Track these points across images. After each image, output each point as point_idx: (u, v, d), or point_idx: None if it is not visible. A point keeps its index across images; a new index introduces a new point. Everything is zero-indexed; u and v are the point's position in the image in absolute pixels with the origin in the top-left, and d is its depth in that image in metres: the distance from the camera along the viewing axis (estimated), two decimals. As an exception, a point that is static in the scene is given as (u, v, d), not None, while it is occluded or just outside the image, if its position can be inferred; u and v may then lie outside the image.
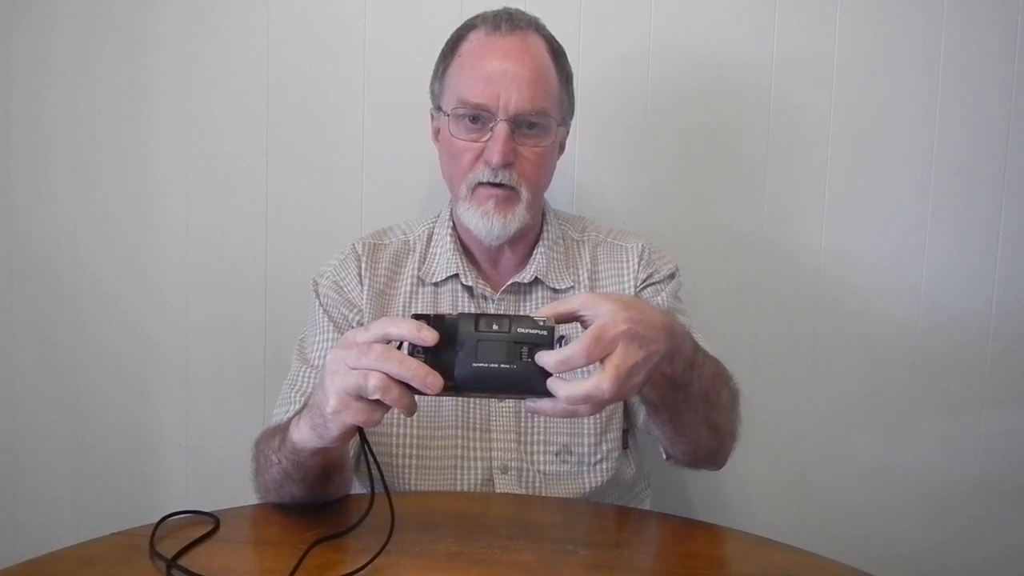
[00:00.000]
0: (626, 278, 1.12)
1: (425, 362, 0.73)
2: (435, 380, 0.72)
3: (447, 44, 1.10)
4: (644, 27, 1.39)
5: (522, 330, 0.74)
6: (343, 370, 0.74)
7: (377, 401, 0.73)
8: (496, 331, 0.74)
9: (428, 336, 0.72)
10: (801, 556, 0.84)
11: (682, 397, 0.87)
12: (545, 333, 0.74)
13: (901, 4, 1.38)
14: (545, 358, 0.72)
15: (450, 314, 0.75)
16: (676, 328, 0.81)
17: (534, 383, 0.73)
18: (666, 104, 1.40)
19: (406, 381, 0.72)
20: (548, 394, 0.73)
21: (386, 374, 0.72)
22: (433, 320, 0.74)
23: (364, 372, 0.72)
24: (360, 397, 0.73)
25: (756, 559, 0.84)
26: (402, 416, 1.04)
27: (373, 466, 0.79)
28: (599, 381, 0.72)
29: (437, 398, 1.04)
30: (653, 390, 0.85)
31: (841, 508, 1.45)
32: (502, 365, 0.73)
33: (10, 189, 1.47)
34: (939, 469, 1.44)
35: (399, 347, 0.74)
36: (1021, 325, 1.42)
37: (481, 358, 0.73)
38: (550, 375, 0.73)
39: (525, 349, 0.73)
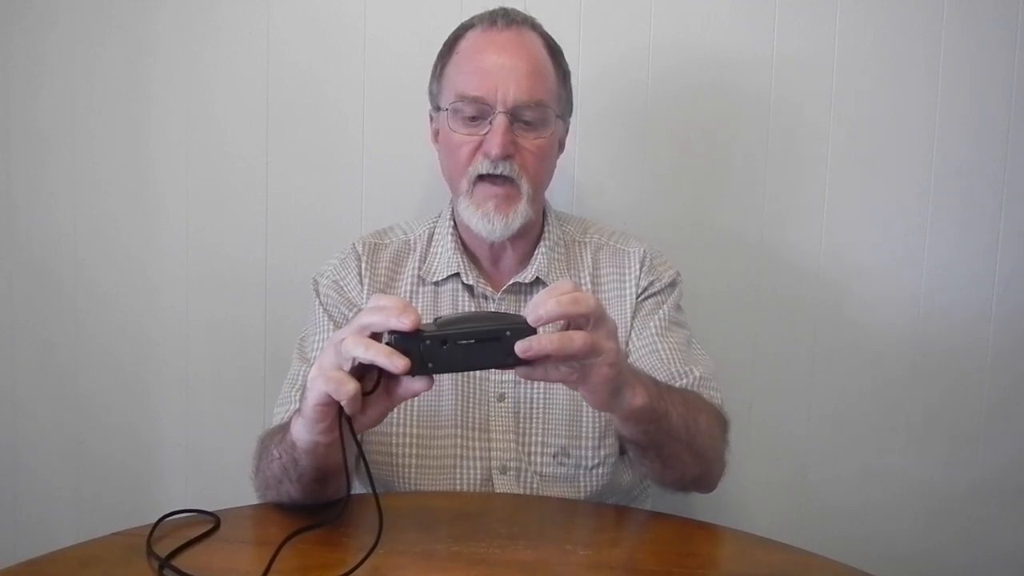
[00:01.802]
0: (627, 283, 1.12)
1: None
2: (409, 315, 0.73)
3: (445, 44, 1.10)
4: (644, 27, 1.39)
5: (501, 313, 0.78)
6: (329, 348, 0.77)
7: (354, 375, 0.75)
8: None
9: (409, 322, 0.73)
10: (801, 556, 0.84)
11: (664, 429, 0.89)
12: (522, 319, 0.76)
13: (901, 4, 1.38)
14: (538, 302, 0.75)
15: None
16: (629, 364, 0.87)
17: (513, 319, 0.75)
18: (666, 104, 1.40)
19: (381, 326, 0.74)
20: (530, 332, 0.74)
21: (363, 326, 0.74)
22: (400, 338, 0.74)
23: (339, 341, 0.75)
24: (339, 368, 0.75)
25: (756, 559, 0.84)
26: (402, 416, 1.05)
27: (357, 456, 0.79)
28: (584, 293, 0.77)
29: (437, 396, 1.05)
30: (637, 425, 0.87)
31: (841, 508, 1.45)
32: (476, 321, 0.76)
33: (10, 189, 1.47)
34: (939, 469, 1.44)
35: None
36: (1021, 325, 1.42)
37: (464, 316, 0.78)
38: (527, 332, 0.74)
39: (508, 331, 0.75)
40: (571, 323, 0.78)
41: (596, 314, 0.77)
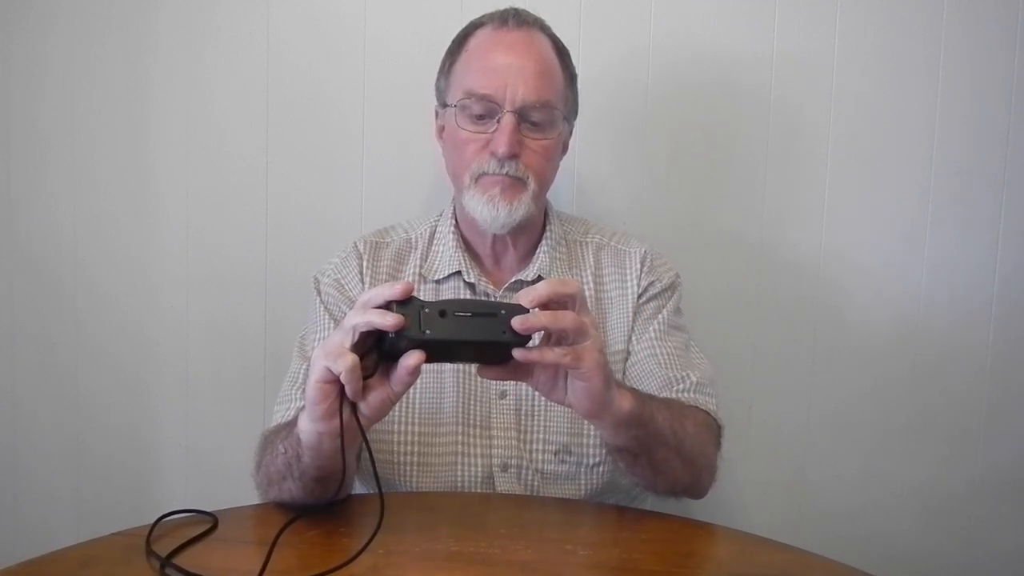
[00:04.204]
0: (629, 282, 1.13)
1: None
2: (395, 318, 0.74)
3: (454, 41, 1.11)
4: (644, 26, 1.39)
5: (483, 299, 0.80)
6: (334, 334, 0.80)
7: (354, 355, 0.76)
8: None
9: (400, 288, 0.76)
10: (801, 556, 0.84)
11: (652, 433, 0.90)
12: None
13: (901, 4, 1.38)
14: (531, 290, 0.79)
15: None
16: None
17: (508, 306, 0.77)
18: (666, 103, 1.40)
19: (378, 297, 0.76)
20: (524, 312, 0.77)
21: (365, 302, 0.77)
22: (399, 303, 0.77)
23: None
24: (339, 345, 0.77)
25: (756, 559, 0.84)
26: (404, 414, 1.05)
27: (352, 428, 0.79)
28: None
29: (439, 394, 1.05)
30: (628, 431, 0.88)
31: (841, 508, 1.45)
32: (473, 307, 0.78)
33: (10, 189, 1.47)
34: (939, 469, 1.44)
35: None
36: (1021, 325, 1.42)
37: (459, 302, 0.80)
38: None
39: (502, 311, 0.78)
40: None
41: (581, 298, 0.80)
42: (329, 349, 0.77)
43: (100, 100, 1.45)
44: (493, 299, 1.09)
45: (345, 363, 0.75)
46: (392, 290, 0.75)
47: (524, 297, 0.78)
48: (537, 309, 0.78)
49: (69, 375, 1.50)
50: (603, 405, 0.83)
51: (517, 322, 0.76)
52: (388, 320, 0.74)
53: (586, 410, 0.84)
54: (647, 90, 1.40)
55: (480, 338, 0.76)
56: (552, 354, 0.78)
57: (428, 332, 0.75)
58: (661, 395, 1.01)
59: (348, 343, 0.77)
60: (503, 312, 0.77)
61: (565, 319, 0.78)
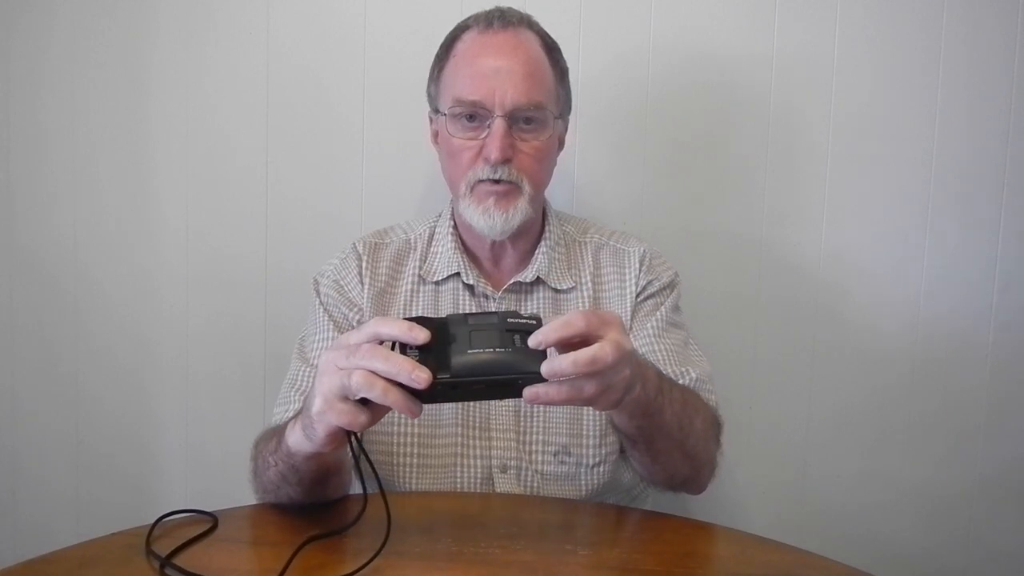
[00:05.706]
0: (628, 282, 1.12)
1: (418, 360, 0.72)
2: (421, 373, 0.71)
3: (441, 47, 1.10)
4: (644, 26, 1.39)
5: (512, 320, 0.75)
6: (331, 371, 0.74)
7: (363, 403, 0.74)
8: (487, 322, 0.74)
9: (420, 334, 0.72)
10: (801, 556, 0.84)
11: (656, 425, 0.89)
12: (535, 322, 0.74)
13: (901, 5, 1.38)
14: (539, 335, 0.72)
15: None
16: (638, 356, 0.83)
17: (531, 364, 0.72)
18: (666, 103, 1.40)
19: (392, 377, 0.71)
20: (542, 379, 0.72)
21: (372, 371, 0.72)
22: (421, 320, 0.74)
23: (348, 371, 0.73)
24: (345, 398, 0.74)
25: (756, 559, 0.84)
26: (403, 416, 1.04)
27: (367, 466, 0.79)
28: (601, 345, 0.72)
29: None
30: (630, 420, 0.87)
31: (841, 508, 1.45)
32: (497, 349, 0.72)
33: (10, 189, 1.47)
34: (939, 469, 1.44)
35: (392, 348, 0.74)
36: (1021, 326, 1.42)
37: (475, 345, 0.73)
38: (544, 360, 0.72)
39: (517, 337, 0.73)
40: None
41: (613, 364, 0.74)
42: (338, 407, 0.74)
43: (100, 100, 1.45)
44: (493, 300, 1.09)
45: (362, 423, 0.74)
46: (412, 381, 0.70)
47: (546, 368, 0.72)
48: (555, 383, 0.73)
49: (69, 375, 1.50)
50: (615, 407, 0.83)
51: (528, 396, 0.72)
52: (414, 410, 0.72)
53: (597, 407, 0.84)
54: (647, 90, 1.40)
55: (492, 399, 0.76)
56: (562, 400, 0.76)
57: (440, 400, 0.74)
58: None
59: (355, 379, 0.72)
60: (520, 382, 0.73)
61: (583, 394, 0.74)
